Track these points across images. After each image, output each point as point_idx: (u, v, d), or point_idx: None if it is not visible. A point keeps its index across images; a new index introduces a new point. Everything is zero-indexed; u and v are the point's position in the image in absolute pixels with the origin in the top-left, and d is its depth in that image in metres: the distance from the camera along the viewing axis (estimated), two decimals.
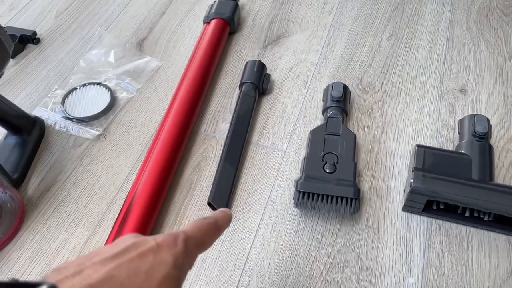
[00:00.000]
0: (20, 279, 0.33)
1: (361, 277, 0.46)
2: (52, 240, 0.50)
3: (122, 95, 0.64)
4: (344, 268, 0.47)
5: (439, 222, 0.50)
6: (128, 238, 0.27)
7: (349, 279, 0.46)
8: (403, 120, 0.60)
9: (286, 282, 0.46)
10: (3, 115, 0.54)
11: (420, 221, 0.50)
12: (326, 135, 0.55)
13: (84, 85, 0.65)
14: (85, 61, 0.69)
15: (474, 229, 0.49)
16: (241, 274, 0.47)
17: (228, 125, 0.60)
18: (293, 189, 0.52)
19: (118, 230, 0.48)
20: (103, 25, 0.75)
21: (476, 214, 0.47)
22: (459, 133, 0.55)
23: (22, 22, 0.77)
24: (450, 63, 0.66)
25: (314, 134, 0.55)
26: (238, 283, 0.46)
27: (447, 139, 0.57)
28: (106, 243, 0.48)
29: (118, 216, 0.49)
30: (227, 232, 0.50)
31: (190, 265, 0.28)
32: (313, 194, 0.49)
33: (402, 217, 0.50)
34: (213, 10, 0.71)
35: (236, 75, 0.67)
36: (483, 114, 0.59)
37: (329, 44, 0.70)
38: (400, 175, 0.54)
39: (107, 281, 0.23)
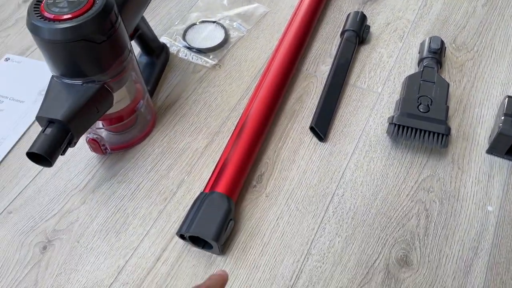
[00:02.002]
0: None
1: (444, 201, 0.52)
2: (178, 141, 0.60)
3: (234, 34, 0.72)
4: (429, 192, 0.53)
5: None
6: None
7: (433, 201, 0.52)
8: (492, 77, 0.64)
9: (376, 197, 0.53)
10: (143, 37, 0.63)
11: (502, 163, 0.55)
12: (421, 81, 0.60)
13: (202, 22, 0.74)
14: (202, 1, 0.77)
15: None
16: (337, 186, 0.54)
17: (327, 67, 0.67)
18: (386, 125, 0.59)
19: (234, 142, 0.56)
20: None
21: None
22: None
23: None
24: None
25: (410, 79, 0.61)
26: (334, 192, 0.54)
27: None
28: (224, 152, 0.56)
29: (234, 130, 0.58)
30: (325, 153, 0.58)
31: None
32: (407, 127, 0.55)
33: (485, 158, 0.56)
34: None
35: (336, 25, 0.73)
36: None
37: (425, 5, 0.75)
38: (486, 123, 0.59)
39: None
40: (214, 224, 0.48)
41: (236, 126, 0.59)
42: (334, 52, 0.69)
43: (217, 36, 0.72)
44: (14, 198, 0.55)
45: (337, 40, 0.71)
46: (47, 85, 0.50)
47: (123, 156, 0.58)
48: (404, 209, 0.52)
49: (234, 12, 0.76)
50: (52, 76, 0.51)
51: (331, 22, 0.74)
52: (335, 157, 0.57)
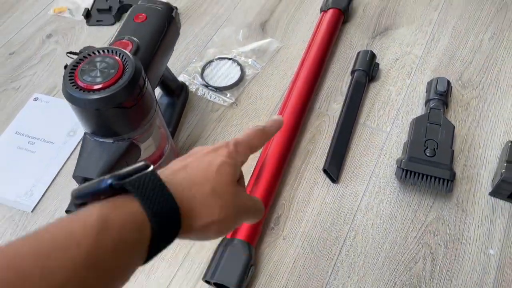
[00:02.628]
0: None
1: (448, 244, 0.56)
2: None
3: (249, 71, 0.76)
4: (435, 235, 0.57)
5: None
6: (197, 149, 0.37)
7: (439, 244, 0.56)
8: (497, 116, 0.67)
9: (385, 240, 0.57)
10: (165, 80, 0.67)
11: (504, 205, 0.59)
12: (428, 124, 0.64)
13: (219, 59, 0.77)
14: (218, 37, 0.81)
15: None
16: (349, 229, 0.58)
17: (339, 106, 0.71)
18: (395, 166, 0.63)
19: (253, 185, 0.60)
20: (230, 6, 0.87)
21: None
22: None
23: None
24: None
25: (418, 122, 0.64)
26: (346, 235, 0.58)
27: None
28: (247, 190, 0.60)
29: (253, 173, 0.62)
30: (337, 194, 0.62)
31: (241, 161, 0.38)
32: (415, 172, 0.59)
33: (488, 200, 0.60)
34: (330, 0, 0.80)
35: (347, 61, 0.76)
36: None
37: (433, 40, 0.78)
38: (490, 165, 0.63)
39: (183, 168, 0.34)
40: (237, 271, 0.52)
41: (255, 169, 0.63)
42: (345, 90, 0.72)
43: (234, 74, 0.75)
44: None
45: (347, 77, 0.74)
46: (81, 141, 0.54)
47: None
48: (412, 252, 0.56)
49: (248, 48, 0.79)
50: (85, 133, 0.55)
51: (341, 59, 0.77)
52: (347, 198, 0.61)
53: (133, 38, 0.56)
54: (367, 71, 0.71)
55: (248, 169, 0.64)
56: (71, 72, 0.52)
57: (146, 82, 0.53)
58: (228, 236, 0.56)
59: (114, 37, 0.58)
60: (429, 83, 0.70)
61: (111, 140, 0.53)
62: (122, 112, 0.51)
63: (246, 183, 0.59)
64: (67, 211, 0.52)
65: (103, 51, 0.52)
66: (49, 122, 0.72)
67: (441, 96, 0.66)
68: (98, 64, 0.50)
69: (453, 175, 0.58)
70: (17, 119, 0.73)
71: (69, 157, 0.68)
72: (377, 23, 0.81)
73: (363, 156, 0.65)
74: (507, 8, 0.81)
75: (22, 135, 0.71)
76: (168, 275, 0.56)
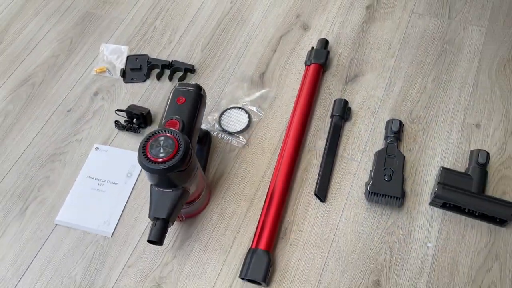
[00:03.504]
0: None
1: (401, 241, 0.84)
2: (227, 208, 0.90)
3: (255, 118, 1.01)
4: (392, 235, 0.85)
5: (449, 213, 0.86)
6: None
7: (395, 242, 0.84)
8: (436, 145, 0.94)
9: (359, 241, 0.85)
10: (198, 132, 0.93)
11: (438, 212, 0.86)
12: (386, 155, 0.90)
13: (231, 108, 1.03)
14: (227, 89, 1.06)
15: (469, 219, 0.85)
16: (334, 235, 0.86)
17: (323, 142, 0.97)
18: (364, 188, 0.90)
19: (267, 208, 0.87)
20: (233, 59, 1.11)
21: (471, 211, 0.84)
22: (469, 159, 0.90)
23: (179, 53, 1.14)
24: (472, 103, 0.99)
25: (379, 154, 0.91)
26: (333, 239, 0.85)
27: (462, 161, 0.92)
28: (261, 216, 0.87)
29: (266, 198, 0.89)
30: (325, 210, 0.88)
31: None
32: (376, 193, 0.86)
33: (428, 208, 0.87)
34: (312, 56, 1.05)
35: (327, 105, 1.02)
36: (487, 144, 0.93)
37: (390, 83, 1.04)
38: (430, 182, 0.90)
39: None
40: (262, 269, 0.80)
41: (267, 194, 0.89)
42: (326, 129, 0.98)
43: (243, 120, 1.01)
44: (129, 257, 0.86)
45: (328, 119, 1.00)
46: (150, 191, 0.80)
47: (193, 222, 0.89)
48: (376, 248, 0.84)
49: (252, 98, 1.04)
50: (151, 185, 0.80)
51: (322, 103, 1.02)
52: (331, 213, 0.88)
53: (178, 117, 0.81)
54: (342, 115, 0.97)
55: (260, 196, 0.91)
56: (144, 144, 0.76)
57: (191, 150, 0.79)
58: (253, 246, 0.83)
59: (164, 116, 0.82)
60: (387, 123, 0.96)
61: (170, 190, 0.79)
62: (178, 173, 0.76)
63: (260, 209, 0.85)
64: (149, 241, 0.78)
65: (163, 131, 0.77)
66: (110, 167, 0.97)
67: (395, 134, 0.93)
68: (161, 142, 0.76)
69: (403, 194, 0.86)
70: (86, 166, 0.98)
71: (130, 194, 0.94)
72: (348, 71, 1.06)
73: (342, 181, 0.92)
74: (446, 53, 1.07)
75: (92, 178, 0.96)
76: (214, 275, 0.83)
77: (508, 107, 0.98)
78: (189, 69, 1.09)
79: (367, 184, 0.88)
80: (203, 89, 0.88)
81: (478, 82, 1.02)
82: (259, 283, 0.81)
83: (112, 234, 0.89)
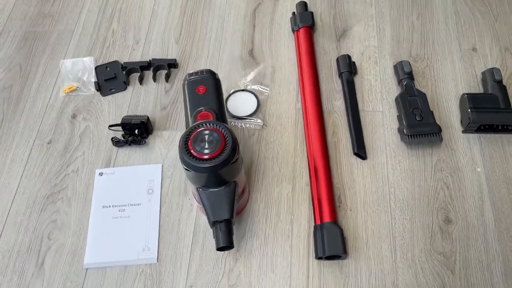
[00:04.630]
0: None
1: (453, 174, 0.84)
2: (271, 193, 0.84)
3: (261, 96, 0.95)
4: (442, 171, 0.84)
5: (484, 135, 0.87)
6: None
7: (446, 176, 0.83)
8: (445, 76, 0.95)
9: (414, 185, 0.83)
10: None
11: (474, 137, 0.87)
12: (408, 97, 0.89)
13: (234, 92, 0.95)
14: (221, 74, 0.98)
15: (503, 135, 0.87)
16: (389, 187, 0.83)
17: (339, 102, 0.93)
18: (398, 134, 0.88)
19: (316, 182, 0.82)
20: (214, 44, 1.03)
21: (505, 127, 0.85)
22: (482, 80, 0.92)
23: (153, 52, 1.03)
24: (461, 31, 1.01)
25: (401, 98, 0.90)
26: (389, 191, 0.83)
27: (474, 85, 0.93)
28: (312, 191, 0.82)
29: (310, 172, 0.83)
30: (370, 167, 0.85)
31: None
32: (415, 135, 0.85)
33: (463, 137, 0.88)
34: (298, 21, 1.01)
35: (327, 65, 0.98)
36: (489, 63, 0.95)
37: (380, 31, 1.03)
38: (454, 112, 0.90)
39: None
40: (339, 243, 0.75)
41: (309, 168, 0.84)
42: (338, 89, 0.95)
43: (251, 102, 0.94)
44: (186, 277, 0.76)
45: (335, 79, 0.96)
46: (200, 196, 0.71)
47: (241, 219, 0.81)
48: (433, 187, 0.82)
49: (251, 77, 0.97)
50: (197, 188, 0.71)
51: (323, 65, 0.99)
52: (377, 167, 0.85)
53: (207, 108, 0.73)
54: (351, 70, 0.94)
55: (300, 172, 0.85)
56: (186, 140, 0.67)
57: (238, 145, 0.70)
58: (317, 222, 0.78)
59: (193, 113, 0.73)
60: (395, 67, 0.95)
61: (222, 187, 0.71)
62: (230, 167, 0.68)
63: (305, 185, 0.80)
64: (219, 249, 0.69)
65: (205, 124, 0.68)
66: (125, 189, 0.85)
67: (409, 74, 0.92)
68: (206, 136, 0.67)
69: (440, 128, 0.85)
70: (95, 196, 0.85)
71: (159, 210, 0.83)
72: (335, 28, 1.04)
73: (374, 134, 0.89)
74: None
75: (109, 207, 0.83)
76: (286, 265, 0.77)
77: (492, 25, 1.02)
78: (172, 64, 0.99)
79: (400, 129, 0.87)
80: (216, 73, 0.79)
81: (458, 11, 1.04)
82: (338, 257, 0.76)
83: (158, 258, 0.78)
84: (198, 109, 0.73)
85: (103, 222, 0.82)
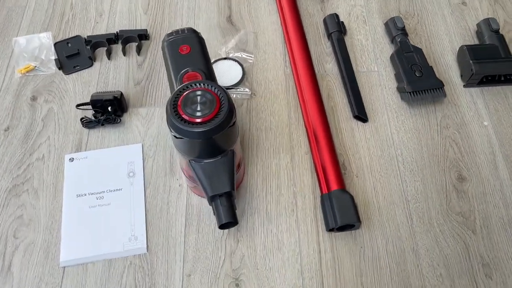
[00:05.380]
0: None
1: (460, 129, 0.78)
2: (269, 165, 0.75)
3: (246, 64, 0.86)
4: (448, 128, 0.78)
5: (486, 88, 0.82)
6: None
7: (454, 133, 0.78)
8: (438, 32, 0.90)
9: (421, 145, 0.77)
10: None
11: (476, 90, 0.82)
12: (404, 54, 0.83)
13: (216, 61, 0.86)
14: None
15: (505, 86, 0.83)
16: (395, 149, 0.76)
17: (330, 64, 0.86)
18: (397, 93, 0.82)
19: (317, 149, 0.74)
20: (188, 12, 0.94)
21: (507, 77, 0.81)
22: (477, 32, 0.87)
23: (119, 24, 0.92)
24: None
25: (397, 55, 0.83)
26: (395, 154, 0.76)
27: (469, 38, 0.89)
28: (314, 159, 0.74)
29: (309, 140, 0.76)
30: (373, 129, 0.78)
31: None
32: (417, 91, 0.79)
33: (465, 91, 0.82)
34: None
35: (313, 27, 0.91)
36: (480, 16, 0.91)
37: None
38: (453, 66, 0.85)
39: None
40: (351, 211, 0.67)
41: (308, 135, 0.76)
42: (327, 51, 0.88)
43: (235, 70, 0.85)
44: (183, 266, 0.67)
45: (323, 41, 0.89)
46: (193, 169, 0.61)
47: (239, 195, 0.72)
48: (441, 145, 0.77)
49: (232, 44, 0.88)
50: (190, 161, 0.62)
51: (308, 27, 0.91)
52: (380, 129, 0.79)
53: (195, 68, 0.63)
54: (340, 29, 0.87)
55: (297, 140, 0.77)
56: (174, 103, 0.58)
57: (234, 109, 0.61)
58: (324, 192, 0.70)
59: (178, 75, 0.63)
60: (386, 24, 0.89)
61: (219, 157, 0.62)
62: (227, 132, 0.59)
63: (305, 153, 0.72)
64: (222, 226, 0.60)
65: (196, 84, 0.59)
66: (102, 173, 0.75)
67: (402, 30, 0.86)
68: (198, 98, 0.58)
69: (442, 83, 0.79)
70: (67, 184, 0.74)
71: (144, 194, 0.73)
72: None
73: (371, 95, 0.82)
74: None
75: (85, 195, 0.72)
76: (294, 241, 0.68)
77: None
78: (143, 35, 0.89)
79: (400, 88, 0.81)
80: (198, 32, 0.70)
81: None
82: (350, 227, 0.68)
83: (147, 248, 0.68)
84: (184, 70, 0.63)
85: (79, 213, 0.71)
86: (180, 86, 0.59)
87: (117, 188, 0.73)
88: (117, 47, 0.89)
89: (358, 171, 0.74)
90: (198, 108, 0.57)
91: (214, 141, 0.59)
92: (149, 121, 0.80)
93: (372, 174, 0.74)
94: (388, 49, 0.88)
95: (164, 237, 0.69)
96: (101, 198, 0.72)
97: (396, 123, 0.79)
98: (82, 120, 0.79)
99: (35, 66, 0.86)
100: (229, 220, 0.59)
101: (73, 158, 0.76)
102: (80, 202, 0.72)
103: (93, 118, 0.79)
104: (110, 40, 0.88)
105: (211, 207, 0.62)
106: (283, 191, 0.73)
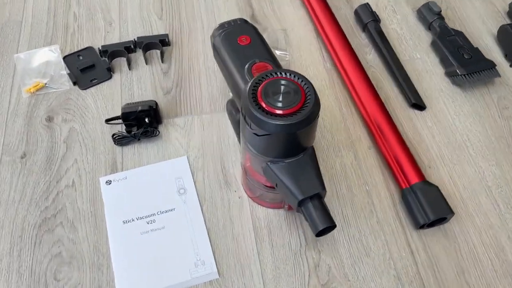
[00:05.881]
0: None
1: None
2: (332, 166, 0.68)
3: (282, 62, 0.79)
4: (507, 108, 0.75)
5: None
6: None
7: None
8: (469, 15, 0.87)
9: (485, 127, 0.72)
10: None
11: None
12: (447, 38, 0.80)
13: None
14: None
15: None
16: (460, 134, 0.72)
17: (371, 55, 0.81)
18: (446, 79, 0.78)
19: (384, 141, 0.67)
20: (207, 13, 0.86)
21: None
22: (509, 12, 0.85)
23: (133, 32, 0.83)
24: None
25: (440, 40, 0.80)
26: (462, 140, 0.71)
27: (501, 19, 0.87)
28: (384, 153, 0.67)
29: (373, 133, 0.69)
30: (432, 116, 0.73)
31: None
32: (470, 73, 0.75)
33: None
34: None
35: (344, 20, 0.86)
36: None
37: None
38: (493, 48, 0.82)
39: None
40: (442, 203, 0.61)
41: (370, 129, 0.70)
42: (364, 42, 0.83)
43: None
44: (264, 286, 0.58)
45: (358, 33, 0.84)
46: (273, 173, 0.53)
47: None
48: (506, 127, 0.72)
49: None
50: (268, 163, 0.54)
51: (339, 20, 0.86)
52: (439, 116, 0.74)
53: (262, 59, 0.56)
54: (375, 19, 0.83)
55: (358, 136, 0.71)
56: (253, 91, 0.50)
57: None
58: (403, 186, 0.64)
59: (244, 67, 0.56)
60: (420, 11, 0.85)
61: (301, 154, 0.54)
62: (312, 127, 0.52)
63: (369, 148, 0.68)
64: (320, 234, 0.51)
65: (280, 73, 0.51)
66: (147, 194, 0.65)
67: (439, 15, 0.83)
68: (282, 87, 0.50)
69: (493, 63, 0.76)
70: (108, 211, 0.63)
71: (201, 210, 0.63)
72: None
73: (421, 82, 0.78)
74: None
75: (133, 220, 0.62)
76: (381, 244, 0.61)
77: None
78: (164, 41, 0.80)
79: (450, 72, 0.77)
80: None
81: None
82: (439, 221, 0.62)
83: (218, 272, 0.59)
84: (251, 61, 0.56)
85: (129, 242, 0.60)
86: (256, 76, 0.51)
87: (169, 208, 0.63)
88: (136, 56, 0.80)
89: (430, 162, 0.69)
90: (280, 99, 0.50)
91: (297, 136, 0.51)
92: (189, 131, 0.71)
93: (445, 163, 0.69)
94: (425, 36, 0.84)
95: (235, 258, 0.60)
96: (153, 222, 0.62)
97: (454, 108, 0.75)
98: (114, 136, 0.68)
99: (45, 84, 0.75)
100: (327, 224, 0.51)
101: (110, 181, 0.66)
102: (129, 229, 0.61)
103: (125, 133, 0.69)
104: (129, 48, 0.79)
105: (299, 213, 0.54)
106: (355, 191, 0.66)
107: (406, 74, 0.77)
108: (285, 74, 0.51)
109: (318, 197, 0.53)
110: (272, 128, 0.49)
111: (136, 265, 0.59)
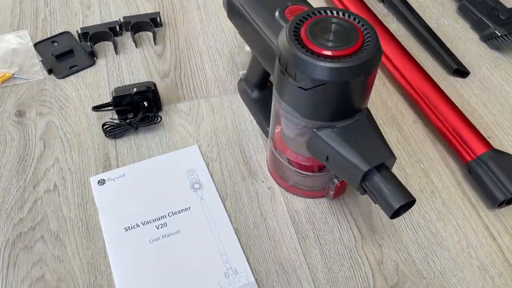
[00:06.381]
0: None
1: None
2: None
3: None
4: None
5: None
6: None
7: None
8: None
9: None
10: None
11: None
12: (476, 0, 0.71)
13: None
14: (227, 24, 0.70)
15: None
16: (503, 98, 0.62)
17: (394, 25, 0.71)
18: (483, 44, 0.68)
19: (437, 114, 0.56)
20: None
21: None
22: None
23: (116, 14, 0.71)
24: None
25: (469, 3, 0.71)
26: (501, 113, 0.61)
27: None
28: (438, 127, 0.56)
29: (423, 108, 0.59)
30: (476, 82, 0.63)
31: None
32: (511, 33, 0.66)
33: None
34: None
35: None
36: None
37: None
38: None
39: None
40: None
41: (416, 100, 0.59)
42: (383, 12, 0.73)
43: None
44: None
45: (375, 3, 0.75)
46: (323, 142, 0.41)
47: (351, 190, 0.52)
48: None
49: None
50: (315, 132, 0.41)
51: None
52: (485, 82, 0.64)
53: (294, 1, 0.44)
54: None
55: (402, 110, 0.60)
56: (295, 30, 0.38)
57: None
58: (470, 158, 0.52)
59: (275, 12, 0.44)
60: None
61: (356, 117, 0.42)
62: (371, 79, 0.40)
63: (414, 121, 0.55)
64: (395, 213, 0.39)
65: (326, 11, 0.40)
66: (153, 192, 0.51)
67: None
68: (333, 26, 0.39)
69: None
70: (104, 217, 0.48)
71: (223, 205, 0.50)
72: None
73: (456, 49, 0.68)
74: None
75: (137, 226, 0.48)
76: (454, 231, 0.49)
77: None
78: (156, 20, 0.68)
79: (487, 35, 0.68)
80: None
81: None
82: None
83: (257, 281, 0.45)
84: (284, 5, 0.44)
85: (135, 253, 0.46)
86: (298, 14, 0.40)
87: (183, 207, 0.49)
88: (123, 40, 0.67)
89: (487, 132, 0.58)
90: (331, 38, 0.38)
91: (355, 88, 0.39)
92: (197, 117, 0.58)
93: (505, 132, 0.58)
94: (448, 1, 0.75)
95: (276, 262, 0.46)
96: (164, 226, 0.48)
97: (498, 72, 0.65)
98: (105, 127, 0.55)
99: (13, 74, 0.61)
100: (405, 200, 0.39)
101: (103, 180, 0.51)
102: (133, 237, 0.47)
103: (119, 121, 0.55)
104: (114, 30, 0.66)
105: (363, 193, 0.41)
106: (408, 171, 0.54)
107: (441, 40, 0.67)
108: (336, 12, 0.40)
109: (386, 168, 0.41)
110: (326, 74, 0.37)
111: (146, 282, 0.44)
